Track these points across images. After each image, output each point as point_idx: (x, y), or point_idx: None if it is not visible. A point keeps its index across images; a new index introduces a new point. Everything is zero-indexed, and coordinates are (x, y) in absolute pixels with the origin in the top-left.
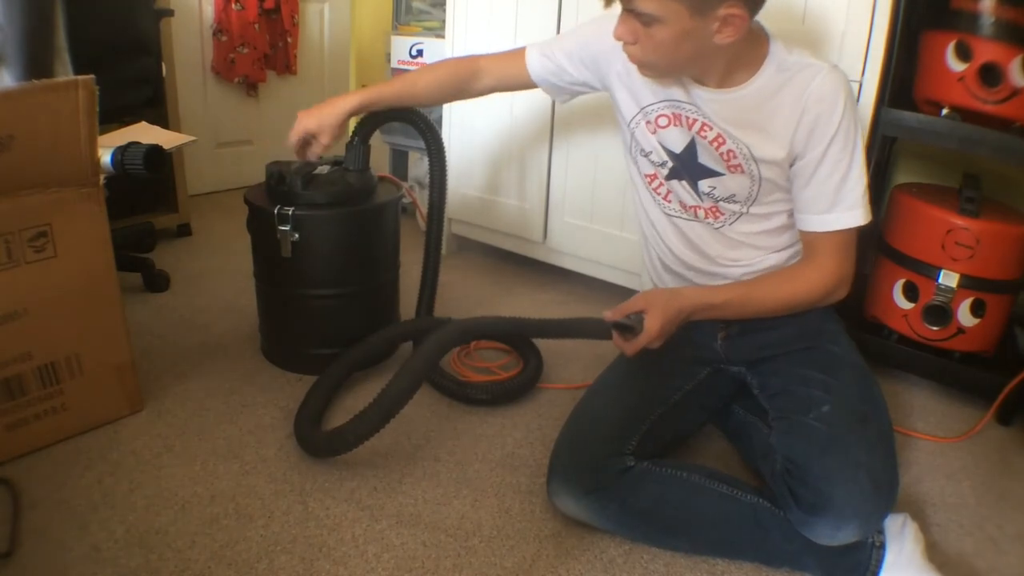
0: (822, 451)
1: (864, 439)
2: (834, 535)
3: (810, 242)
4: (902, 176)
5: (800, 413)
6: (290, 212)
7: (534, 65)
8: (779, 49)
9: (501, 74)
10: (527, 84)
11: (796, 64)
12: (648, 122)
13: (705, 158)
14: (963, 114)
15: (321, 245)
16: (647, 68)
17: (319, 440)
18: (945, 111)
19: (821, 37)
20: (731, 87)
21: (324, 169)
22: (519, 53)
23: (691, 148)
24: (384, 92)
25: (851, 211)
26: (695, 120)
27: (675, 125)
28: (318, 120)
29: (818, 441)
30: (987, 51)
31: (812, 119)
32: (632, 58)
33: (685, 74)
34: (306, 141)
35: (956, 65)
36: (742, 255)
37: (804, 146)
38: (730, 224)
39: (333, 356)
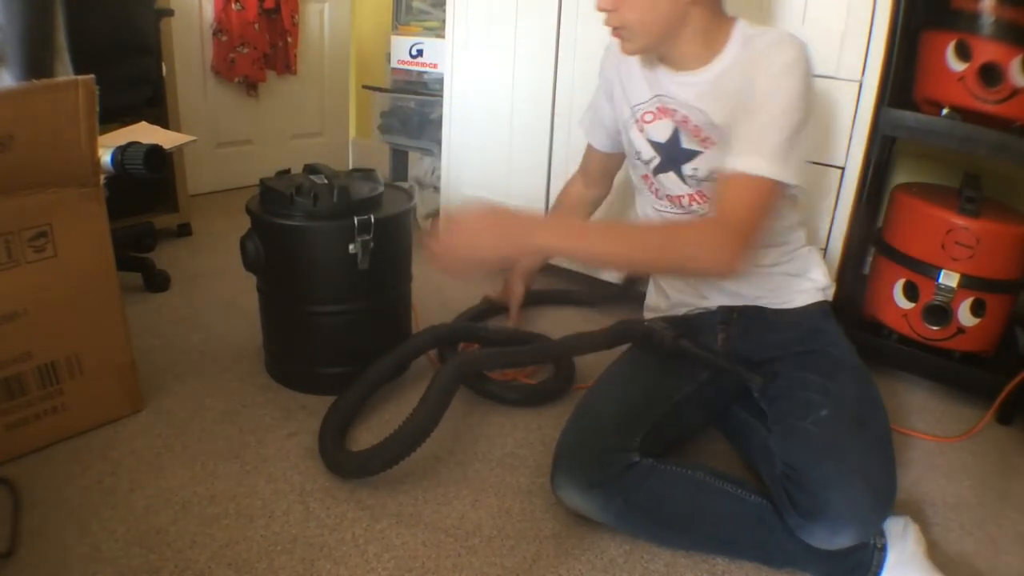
0: (820, 456)
1: (862, 444)
2: (831, 540)
3: (718, 191)
4: (902, 176)
5: (798, 417)
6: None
7: (593, 142)
8: (743, 26)
9: (598, 177)
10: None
11: (757, 32)
12: (636, 121)
13: (686, 141)
14: (963, 114)
15: (339, 257)
16: (627, 36)
17: (349, 460)
18: (945, 111)
19: (821, 37)
20: (699, 68)
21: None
22: (586, 151)
23: (675, 136)
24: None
25: (763, 159)
26: (674, 110)
27: (659, 119)
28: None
29: (816, 446)
30: (987, 51)
31: (756, 59)
32: (611, 22)
33: (662, 45)
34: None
35: (956, 65)
36: None
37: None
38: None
39: (347, 375)
